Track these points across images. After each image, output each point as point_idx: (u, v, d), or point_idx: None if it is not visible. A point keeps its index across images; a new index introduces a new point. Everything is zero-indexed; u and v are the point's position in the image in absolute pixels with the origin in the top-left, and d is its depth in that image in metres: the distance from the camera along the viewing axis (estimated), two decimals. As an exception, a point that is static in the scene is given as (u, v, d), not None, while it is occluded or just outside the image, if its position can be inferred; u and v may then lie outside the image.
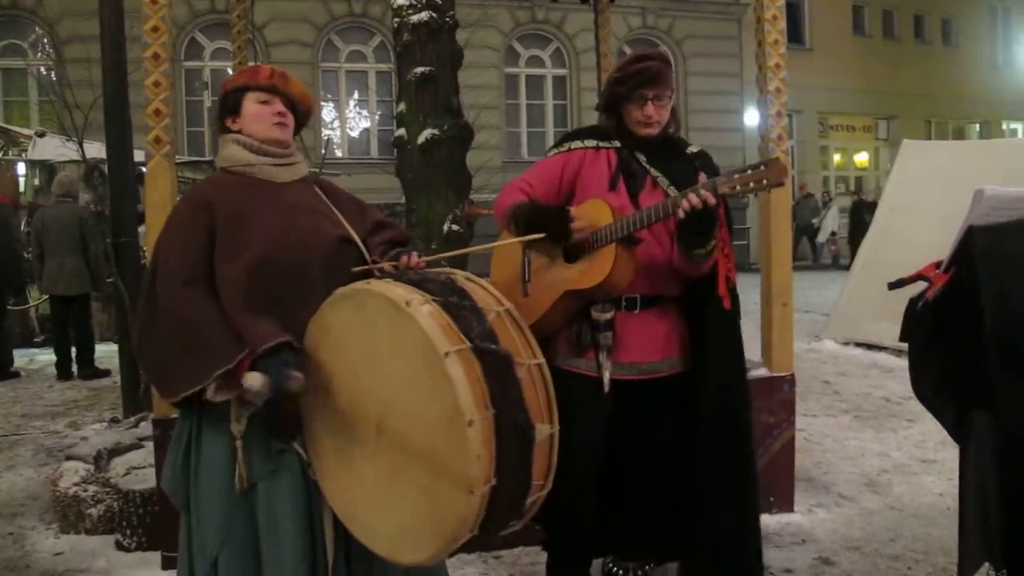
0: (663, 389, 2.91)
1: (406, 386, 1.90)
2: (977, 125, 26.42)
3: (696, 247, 2.68)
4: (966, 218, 2.02)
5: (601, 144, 2.99)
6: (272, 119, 2.33)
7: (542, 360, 2.04)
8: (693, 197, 2.53)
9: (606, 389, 2.80)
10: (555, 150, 3.08)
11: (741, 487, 2.93)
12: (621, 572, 3.10)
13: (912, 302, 2.19)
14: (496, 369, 1.88)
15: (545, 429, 1.96)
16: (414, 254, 2.29)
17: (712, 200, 2.52)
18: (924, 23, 25.41)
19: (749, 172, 2.50)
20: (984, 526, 2.20)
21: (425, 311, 1.88)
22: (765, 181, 2.48)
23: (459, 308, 1.94)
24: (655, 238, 2.83)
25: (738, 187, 2.51)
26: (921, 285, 2.20)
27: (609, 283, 2.71)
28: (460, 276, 2.12)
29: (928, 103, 24.39)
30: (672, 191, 2.86)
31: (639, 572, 3.10)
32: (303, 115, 2.45)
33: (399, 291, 1.94)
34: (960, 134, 25.64)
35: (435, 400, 1.82)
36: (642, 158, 2.93)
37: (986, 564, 2.25)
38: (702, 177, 2.62)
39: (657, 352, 2.90)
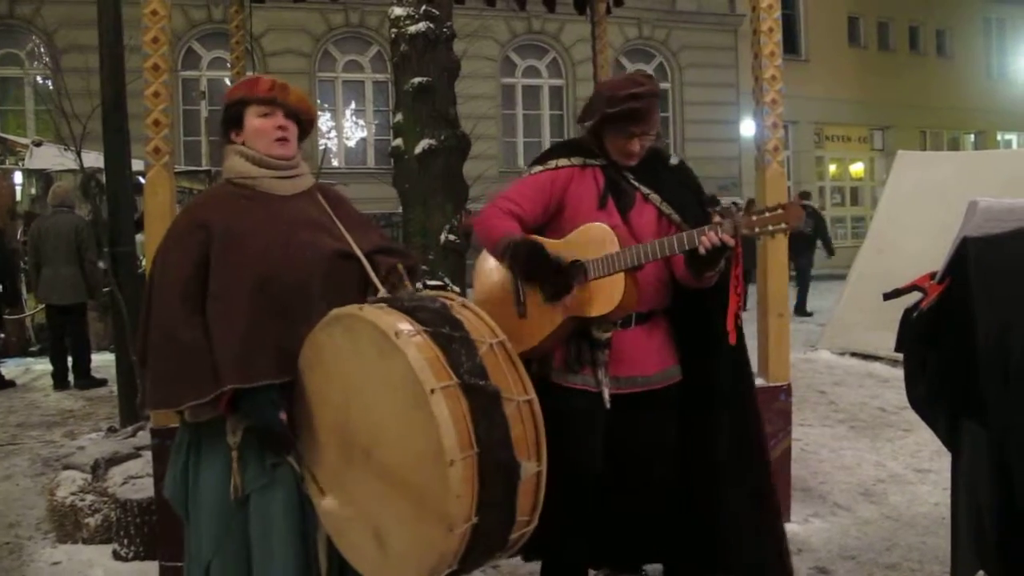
0: (657, 399, 2.91)
1: (392, 418, 1.88)
2: (972, 135, 26.53)
3: (707, 271, 2.68)
4: (960, 229, 2.04)
5: (588, 161, 2.93)
6: (274, 134, 2.33)
7: (533, 396, 2.00)
8: (713, 236, 2.52)
9: (607, 405, 2.78)
10: (539, 167, 2.98)
11: (760, 491, 2.98)
12: None
13: (907, 312, 2.21)
14: (483, 406, 1.86)
15: (532, 467, 1.94)
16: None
17: (731, 242, 2.52)
18: (919, 34, 25.53)
19: (767, 214, 2.50)
20: (977, 534, 2.21)
21: (414, 343, 1.84)
22: (784, 224, 2.48)
23: (450, 340, 1.91)
24: None
25: (757, 228, 2.51)
26: (916, 295, 2.21)
27: (618, 310, 2.71)
28: (456, 303, 2.08)
29: (923, 114, 24.49)
30: (665, 208, 2.89)
31: None
32: (305, 124, 2.44)
33: (389, 319, 1.90)
34: (955, 144, 25.74)
35: (419, 435, 1.80)
36: (629, 175, 2.92)
37: (981, 573, 2.26)
38: (718, 216, 2.60)
39: (652, 365, 2.90)
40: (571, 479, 2.73)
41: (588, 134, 3.00)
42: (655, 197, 2.90)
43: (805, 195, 17.71)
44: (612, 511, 2.99)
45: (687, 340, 3.01)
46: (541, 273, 2.69)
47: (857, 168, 25.18)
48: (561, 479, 2.68)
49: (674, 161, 3.09)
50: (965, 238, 2.03)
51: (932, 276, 2.16)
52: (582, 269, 2.70)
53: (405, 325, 1.89)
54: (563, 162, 2.95)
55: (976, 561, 2.28)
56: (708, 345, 2.96)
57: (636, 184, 2.91)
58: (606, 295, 2.69)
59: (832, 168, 24.79)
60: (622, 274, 2.67)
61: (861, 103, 23.39)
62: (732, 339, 2.75)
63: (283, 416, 2.08)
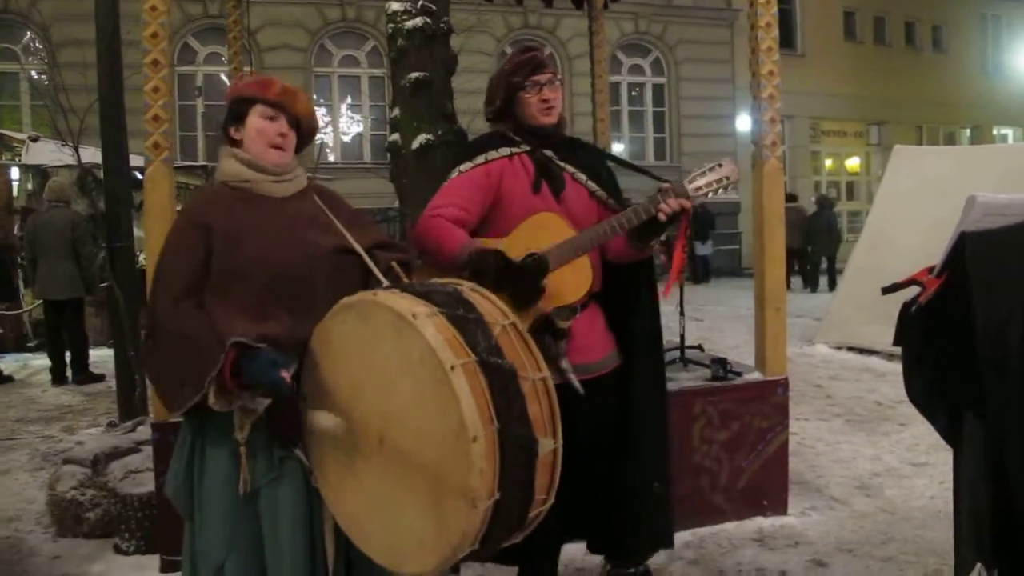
0: (604, 385, 2.94)
1: (410, 398, 1.89)
2: (968, 130, 26.56)
3: (654, 238, 2.78)
4: (958, 224, 2.06)
5: (513, 150, 2.95)
6: (273, 140, 2.32)
7: (547, 374, 2.02)
8: (673, 202, 2.62)
9: (581, 391, 2.74)
10: (469, 163, 2.94)
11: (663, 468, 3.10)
12: (621, 573, 3.13)
13: (905, 307, 2.22)
14: (501, 383, 1.87)
15: (548, 443, 1.95)
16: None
17: (689, 205, 2.63)
18: (915, 29, 25.54)
19: (707, 172, 2.65)
20: (977, 528, 2.23)
21: (431, 323, 1.86)
22: (726, 178, 2.64)
23: (465, 321, 1.93)
24: None
25: (703, 188, 2.66)
26: (914, 290, 2.23)
27: (588, 295, 2.76)
28: (466, 287, 2.10)
29: (919, 109, 24.52)
30: (591, 185, 2.97)
31: (641, 568, 3.15)
32: (307, 134, 2.44)
33: (404, 303, 1.92)
34: (951, 139, 25.77)
35: (440, 414, 1.81)
36: (553, 156, 2.95)
37: (978, 564, 2.28)
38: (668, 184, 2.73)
39: (599, 351, 2.95)
40: None
41: (501, 122, 3.03)
42: (581, 176, 2.96)
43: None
44: (596, 501, 3.03)
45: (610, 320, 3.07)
46: (513, 281, 2.63)
47: (853, 163, 25.20)
48: None
49: (583, 140, 3.17)
50: (963, 233, 2.04)
51: (930, 270, 2.17)
52: (544, 261, 2.70)
53: (421, 307, 1.90)
54: (492, 155, 2.94)
55: (974, 553, 2.30)
56: (629, 325, 3.05)
57: (562, 165, 2.95)
58: (575, 282, 2.72)
59: (828, 163, 24.81)
60: (586, 258, 2.71)
61: (857, 98, 23.41)
62: (667, 293, 2.88)
63: (285, 374, 2.01)
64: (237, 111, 2.36)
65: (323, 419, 2.07)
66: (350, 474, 2.06)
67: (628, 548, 3.12)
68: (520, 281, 2.64)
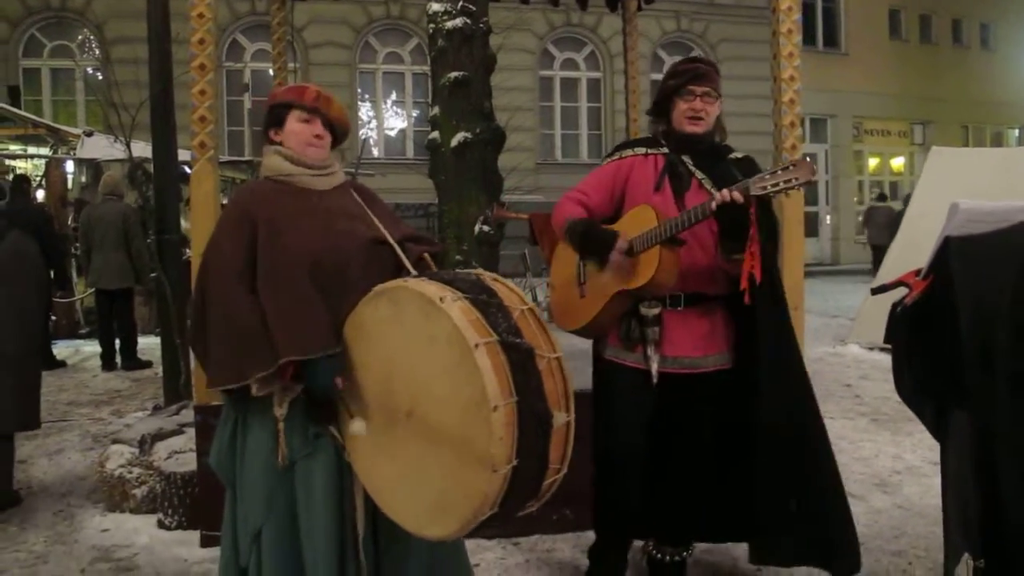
0: (706, 383, 3.08)
1: (438, 374, 2.08)
2: (1016, 131, 26.07)
3: (734, 252, 2.85)
4: (943, 230, 2.17)
5: (650, 150, 3.20)
6: (310, 140, 2.53)
7: (561, 354, 2.20)
8: (725, 193, 2.72)
9: (655, 380, 3.00)
10: (609, 159, 3.29)
11: (807, 473, 3.05)
12: (660, 556, 3.26)
13: (894, 307, 2.34)
14: (520, 361, 2.06)
15: (562, 417, 2.13)
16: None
17: (740, 199, 2.69)
18: (962, 27, 25.13)
19: (779, 172, 2.68)
20: (964, 519, 2.34)
21: (457, 306, 2.06)
22: (795, 180, 2.63)
23: (487, 305, 2.12)
24: (698, 241, 3.01)
25: (768, 187, 2.68)
26: (903, 291, 2.34)
27: (655, 283, 2.90)
28: (487, 276, 2.30)
29: (965, 108, 24.13)
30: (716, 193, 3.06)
31: (677, 557, 3.25)
32: (341, 135, 2.64)
33: (433, 288, 2.12)
34: (998, 140, 25.33)
35: (464, 387, 2.00)
36: (688, 160, 3.13)
37: (965, 554, 2.39)
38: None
39: (700, 348, 3.08)
40: (615, 452, 3.06)
41: (655, 121, 3.28)
42: (708, 182, 3.08)
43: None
44: (658, 487, 3.13)
45: (742, 327, 3.14)
46: (591, 242, 3.02)
47: (897, 163, 24.90)
48: (608, 451, 3.07)
49: (738, 155, 3.25)
50: (948, 237, 2.16)
51: (917, 273, 2.29)
52: (613, 232, 2.98)
53: (448, 292, 2.11)
54: (627, 152, 3.24)
55: (964, 544, 2.40)
56: (754, 332, 3.09)
57: (692, 169, 3.12)
58: (643, 268, 2.92)
59: (872, 162, 24.53)
60: (658, 247, 2.88)
61: (902, 97, 23.10)
62: (746, 299, 2.82)
63: (339, 382, 2.28)
64: (277, 115, 2.57)
65: (353, 425, 2.30)
66: (380, 447, 2.25)
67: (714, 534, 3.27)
68: (596, 244, 3.02)
